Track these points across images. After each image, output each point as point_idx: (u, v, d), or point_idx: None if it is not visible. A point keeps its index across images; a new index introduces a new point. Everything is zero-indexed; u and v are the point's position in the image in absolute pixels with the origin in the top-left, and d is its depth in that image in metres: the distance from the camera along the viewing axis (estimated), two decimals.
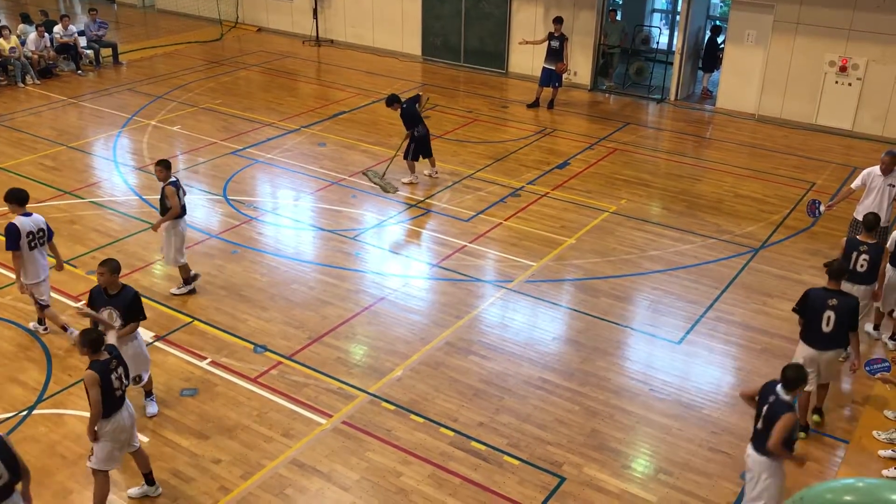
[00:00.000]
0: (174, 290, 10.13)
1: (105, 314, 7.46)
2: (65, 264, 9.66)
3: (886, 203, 9.89)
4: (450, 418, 8.09)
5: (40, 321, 9.31)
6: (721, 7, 21.07)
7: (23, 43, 18.33)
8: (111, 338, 6.97)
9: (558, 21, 16.82)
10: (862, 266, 8.61)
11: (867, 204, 9.89)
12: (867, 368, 7.65)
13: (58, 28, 19.07)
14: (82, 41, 19.49)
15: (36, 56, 18.43)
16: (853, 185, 10.30)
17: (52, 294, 9.44)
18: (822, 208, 10.55)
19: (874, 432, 7.99)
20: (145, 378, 7.93)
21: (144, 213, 12.20)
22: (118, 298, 7.50)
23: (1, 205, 9.21)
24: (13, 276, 9.06)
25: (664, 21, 21.67)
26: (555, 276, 10.70)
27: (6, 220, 8.88)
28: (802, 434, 7.81)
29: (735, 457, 7.62)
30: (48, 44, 18.76)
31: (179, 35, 22.72)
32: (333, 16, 21.79)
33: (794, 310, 7.88)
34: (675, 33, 18.36)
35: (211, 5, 23.65)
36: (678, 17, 17.86)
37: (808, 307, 7.64)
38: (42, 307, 9.06)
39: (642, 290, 10.43)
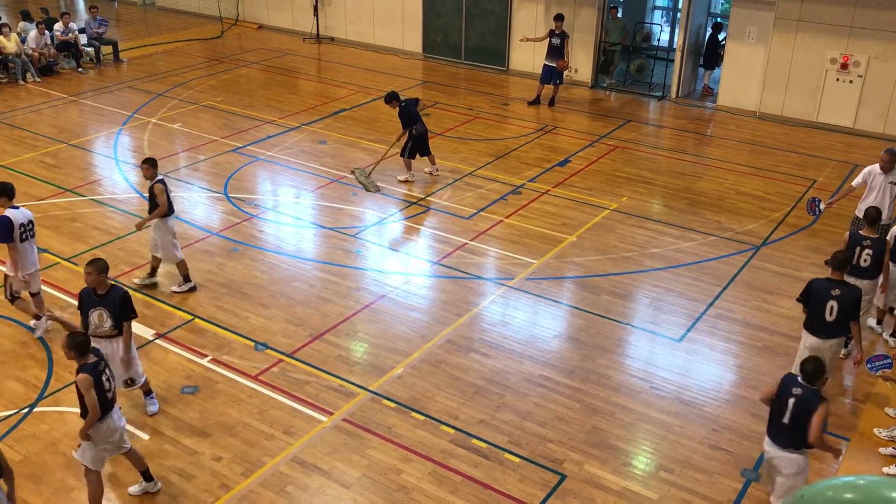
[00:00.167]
0: (175, 288, 10.13)
1: (95, 315, 7.42)
2: (65, 261, 9.64)
3: (888, 201, 9.91)
4: (450, 416, 8.09)
5: (37, 317, 9.32)
6: (722, 4, 21.07)
7: (23, 41, 18.31)
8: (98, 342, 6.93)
9: (559, 18, 16.80)
10: (865, 261, 8.72)
11: (869, 202, 9.91)
12: (869, 366, 7.66)
13: (58, 25, 19.04)
14: (83, 39, 19.49)
15: (36, 54, 18.42)
16: (853, 183, 10.32)
17: (53, 292, 9.43)
18: (822, 206, 10.57)
19: (875, 430, 8.00)
20: (139, 381, 7.86)
21: (145, 210, 12.07)
22: (107, 299, 7.44)
23: None
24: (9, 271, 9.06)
25: (665, 18, 21.66)
26: (555, 273, 10.70)
27: None
28: None
29: (736, 454, 7.63)
30: (49, 41, 18.75)
31: (180, 32, 22.71)
32: (334, 13, 21.77)
33: (798, 299, 8.09)
34: (676, 30, 18.36)
35: (211, 3, 23.63)
36: (679, 15, 17.84)
37: (812, 297, 7.85)
38: (32, 295, 9.13)
39: (643, 287, 10.43)
